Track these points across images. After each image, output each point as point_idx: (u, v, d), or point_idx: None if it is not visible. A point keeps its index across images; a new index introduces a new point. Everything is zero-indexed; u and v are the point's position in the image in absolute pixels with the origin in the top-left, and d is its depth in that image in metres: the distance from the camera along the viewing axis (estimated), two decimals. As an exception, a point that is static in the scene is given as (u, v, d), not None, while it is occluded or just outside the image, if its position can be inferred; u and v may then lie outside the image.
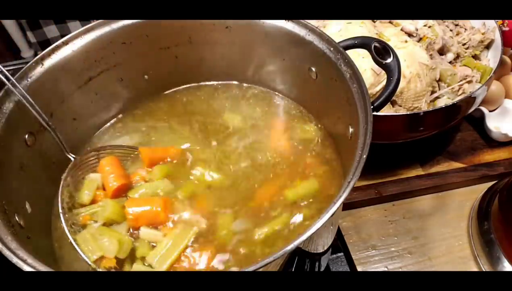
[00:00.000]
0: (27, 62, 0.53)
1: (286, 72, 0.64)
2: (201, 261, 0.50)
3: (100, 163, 0.57)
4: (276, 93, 0.68)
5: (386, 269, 0.68)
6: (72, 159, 0.55)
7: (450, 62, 0.81)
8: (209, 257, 0.50)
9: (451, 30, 0.85)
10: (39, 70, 0.53)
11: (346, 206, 0.74)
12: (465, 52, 0.82)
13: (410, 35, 0.80)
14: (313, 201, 0.55)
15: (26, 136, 0.52)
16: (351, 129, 0.52)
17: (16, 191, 0.49)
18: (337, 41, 0.55)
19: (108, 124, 0.65)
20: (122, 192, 0.55)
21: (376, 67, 0.69)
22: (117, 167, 0.56)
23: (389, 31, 0.78)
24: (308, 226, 0.37)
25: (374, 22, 0.82)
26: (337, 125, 0.58)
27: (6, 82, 0.49)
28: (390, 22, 0.82)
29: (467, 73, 0.78)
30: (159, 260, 0.49)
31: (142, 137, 0.63)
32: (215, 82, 0.70)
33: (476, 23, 0.86)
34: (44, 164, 0.55)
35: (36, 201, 0.52)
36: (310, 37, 0.57)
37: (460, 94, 0.77)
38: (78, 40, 0.57)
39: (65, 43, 0.56)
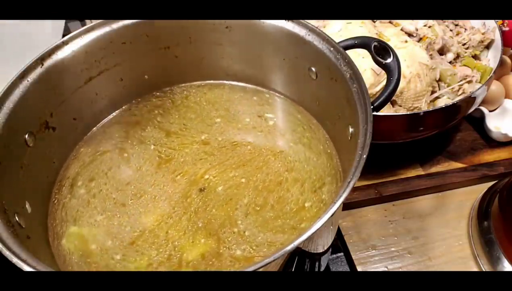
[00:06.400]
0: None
1: (286, 72, 0.64)
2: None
3: None
4: (276, 93, 0.68)
5: (386, 269, 0.68)
6: None
7: (450, 62, 0.81)
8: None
9: (451, 30, 0.85)
10: (39, 70, 0.53)
11: (346, 206, 0.74)
12: (465, 52, 0.82)
13: (410, 35, 0.80)
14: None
15: (26, 136, 0.52)
16: (351, 129, 0.51)
17: (16, 191, 0.49)
18: (337, 41, 0.55)
19: (108, 124, 0.65)
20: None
21: (376, 67, 0.69)
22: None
23: (389, 31, 0.78)
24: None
25: (374, 22, 0.82)
26: (337, 125, 0.58)
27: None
28: (390, 22, 0.82)
29: (467, 73, 0.78)
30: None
31: (143, 136, 0.63)
32: (215, 82, 0.70)
33: (476, 23, 0.86)
34: (44, 164, 0.55)
35: (36, 201, 0.52)
36: (310, 37, 0.57)
37: (460, 94, 0.77)
38: (78, 40, 0.57)
39: (65, 43, 0.56)
